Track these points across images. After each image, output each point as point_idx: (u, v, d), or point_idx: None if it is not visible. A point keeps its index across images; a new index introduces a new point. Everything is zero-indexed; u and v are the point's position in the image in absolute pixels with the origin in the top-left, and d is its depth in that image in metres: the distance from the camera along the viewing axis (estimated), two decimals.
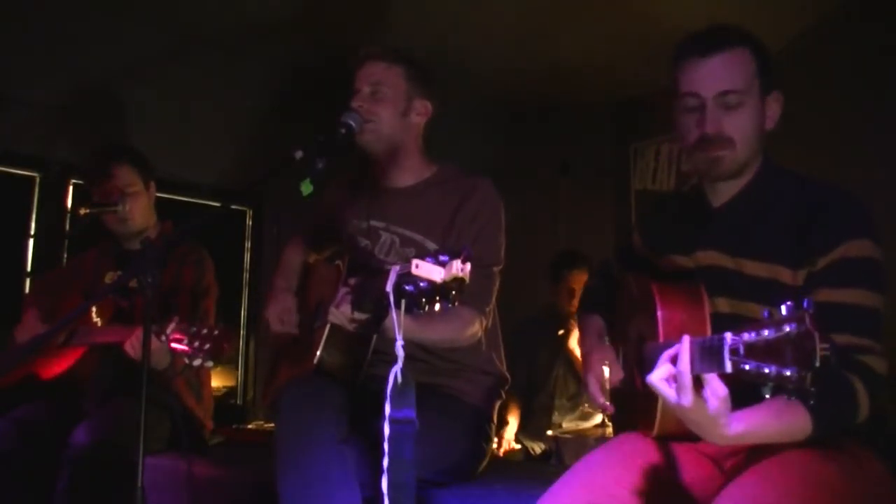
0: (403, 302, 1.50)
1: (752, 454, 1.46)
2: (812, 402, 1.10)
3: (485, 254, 2.10)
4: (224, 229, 4.30)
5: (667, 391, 1.32)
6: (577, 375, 3.94)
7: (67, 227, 3.60)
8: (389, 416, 1.53)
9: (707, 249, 1.64)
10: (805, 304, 1.09)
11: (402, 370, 1.53)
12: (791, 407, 1.26)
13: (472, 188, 2.16)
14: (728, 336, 1.16)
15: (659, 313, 1.51)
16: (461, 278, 1.43)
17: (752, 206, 1.61)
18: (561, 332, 3.92)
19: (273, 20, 3.61)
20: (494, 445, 2.72)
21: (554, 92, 4.39)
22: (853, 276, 1.45)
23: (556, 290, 4.01)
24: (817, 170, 1.66)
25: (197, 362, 2.02)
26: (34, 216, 3.57)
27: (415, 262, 1.43)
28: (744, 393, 1.26)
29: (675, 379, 1.30)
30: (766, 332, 1.10)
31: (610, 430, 3.32)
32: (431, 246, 2.14)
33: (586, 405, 3.86)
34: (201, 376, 2.82)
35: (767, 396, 1.10)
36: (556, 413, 3.95)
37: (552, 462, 3.68)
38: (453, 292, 1.45)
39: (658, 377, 1.33)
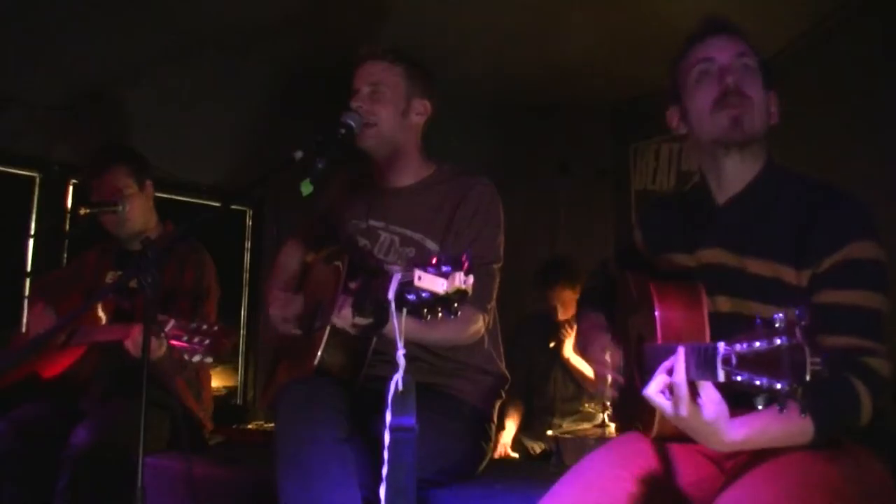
0: (405, 309, 1.49)
1: (753, 455, 1.46)
2: (812, 406, 1.10)
3: (485, 252, 2.10)
4: (224, 229, 4.30)
5: (664, 404, 1.32)
6: (574, 379, 3.94)
7: (67, 227, 3.60)
8: (390, 424, 1.53)
9: (710, 247, 1.64)
10: (798, 314, 1.08)
11: (403, 378, 1.53)
12: (791, 412, 1.26)
13: (470, 187, 2.16)
14: (721, 346, 1.16)
15: (657, 313, 1.51)
16: (464, 290, 1.43)
17: (756, 203, 1.61)
18: (553, 343, 3.91)
19: (273, 20, 3.61)
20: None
21: (553, 92, 4.39)
22: (857, 278, 1.46)
23: (544, 300, 4.00)
24: (816, 169, 1.66)
25: (196, 359, 2.02)
26: (34, 216, 3.57)
27: (417, 273, 1.42)
28: (739, 401, 1.26)
29: (671, 389, 1.30)
30: (757, 344, 1.10)
31: (610, 429, 3.31)
32: (431, 245, 2.14)
33: (586, 406, 3.86)
34: (201, 377, 2.83)
35: (760, 407, 1.10)
36: (557, 415, 3.94)
37: (552, 462, 3.67)
38: (455, 304, 1.45)
39: (654, 390, 1.33)
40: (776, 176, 1.63)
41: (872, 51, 3.32)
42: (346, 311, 1.83)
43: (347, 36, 3.01)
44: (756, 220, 1.60)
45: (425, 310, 1.45)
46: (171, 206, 3.79)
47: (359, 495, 1.81)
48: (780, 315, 1.09)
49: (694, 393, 1.28)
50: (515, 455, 3.92)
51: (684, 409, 1.29)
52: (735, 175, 1.63)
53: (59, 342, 2.54)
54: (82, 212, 2.73)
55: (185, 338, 2.03)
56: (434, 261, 1.45)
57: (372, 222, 2.24)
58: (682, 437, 1.44)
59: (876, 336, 1.44)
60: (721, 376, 1.15)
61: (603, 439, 3.12)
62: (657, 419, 1.48)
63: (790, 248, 1.52)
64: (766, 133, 1.63)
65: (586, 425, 3.80)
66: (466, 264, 1.43)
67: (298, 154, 1.85)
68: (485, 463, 2.20)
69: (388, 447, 1.52)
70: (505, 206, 2.19)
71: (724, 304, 1.60)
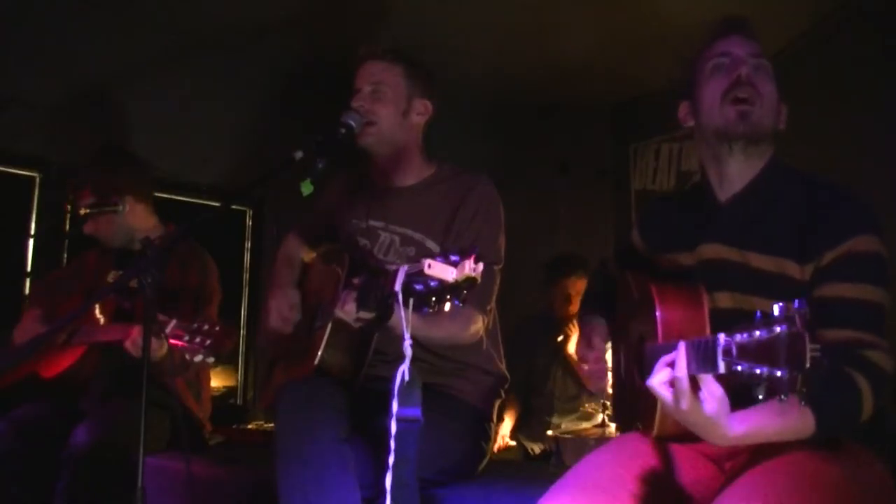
0: (411, 301, 1.49)
1: (753, 455, 1.46)
2: (813, 399, 1.10)
3: (485, 252, 2.09)
4: (224, 229, 4.31)
5: (666, 395, 1.32)
6: (576, 377, 3.94)
7: (67, 227, 3.60)
8: (396, 413, 1.53)
9: (712, 243, 1.64)
10: (797, 305, 1.09)
11: (409, 368, 1.53)
12: (792, 405, 1.26)
13: (471, 187, 2.16)
14: (721, 337, 1.17)
15: (658, 314, 1.51)
16: (473, 278, 1.44)
17: (759, 199, 1.61)
18: (560, 338, 3.92)
19: (273, 20, 3.61)
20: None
21: (553, 92, 4.39)
22: (859, 272, 1.46)
23: (552, 294, 4.00)
24: (816, 169, 1.66)
25: (198, 358, 2.02)
26: (34, 216, 3.57)
27: (427, 261, 1.43)
28: (741, 394, 1.26)
29: (672, 384, 1.31)
30: (757, 333, 1.11)
31: (610, 429, 3.31)
32: (431, 245, 2.14)
33: (586, 405, 3.86)
34: (201, 377, 2.83)
35: (760, 398, 1.11)
36: (556, 414, 3.94)
37: (552, 462, 3.67)
38: (465, 291, 1.45)
39: (658, 381, 1.33)
40: (780, 172, 1.63)
41: (872, 51, 3.32)
42: (350, 306, 1.82)
43: (347, 36, 3.01)
44: (758, 217, 1.60)
45: (433, 298, 1.45)
46: (171, 206, 3.79)
47: (358, 495, 1.81)
48: (781, 305, 1.09)
49: (695, 387, 1.28)
50: (513, 443, 3.92)
51: (685, 404, 1.29)
52: (737, 173, 1.63)
53: (60, 342, 2.54)
54: (82, 212, 2.73)
55: (185, 338, 2.03)
56: (441, 252, 1.46)
57: (372, 222, 2.24)
58: (683, 437, 1.44)
59: (877, 330, 1.44)
60: (722, 367, 1.16)
61: (603, 439, 3.12)
62: (658, 418, 1.48)
63: (793, 244, 1.52)
64: (773, 134, 1.63)
65: (586, 425, 3.80)
66: (475, 252, 1.44)
67: (298, 154, 1.85)
68: (485, 463, 2.20)
69: (395, 437, 1.52)
70: (505, 206, 2.19)
71: (726, 300, 1.59)
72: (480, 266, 1.44)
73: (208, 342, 2.01)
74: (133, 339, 2.27)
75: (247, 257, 4.35)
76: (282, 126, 3.96)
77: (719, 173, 1.66)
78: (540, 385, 4.00)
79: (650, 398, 1.43)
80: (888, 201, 2.60)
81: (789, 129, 1.67)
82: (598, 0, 3.46)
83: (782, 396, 1.09)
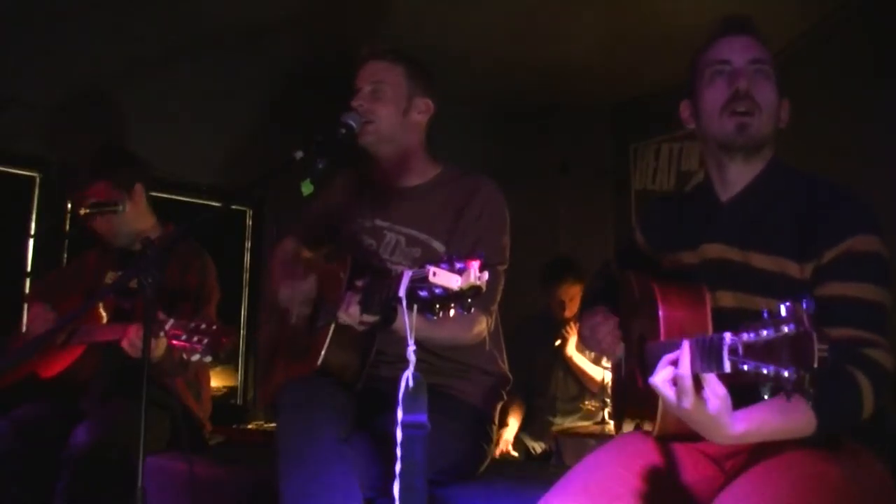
0: (415, 306, 1.49)
1: (753, 455, 1.46)
2: (814, 397, 1.10)
3: (490, 253, 2.09)
4: (224, 229, 4.31)
5: (668, 393, 1.32)
6: (576, 378, 3.94)
7: (67, 227, 3.60)
8: (402, 420, 1.52)
9: (713, 242, 1.64)
10: (804, 304, 1.09)
11: (414, 374, 1.52)
12: (794, 403, 1.26)
13: (476, 188, 2.16)
14: (727, 336, 1.17)
15: (660, 313, 1.51)
16: (479, 286, 1.42)
17: (760, 199, 1.61)
18: (558, 342, 3.92)
19: (272, 20, 3.61)
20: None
21: (554, 92, 4.39)
22: (859, 271, 1.46)
23: (548, 297, 4.00)
24: (816, 169, 1.67)
25: (196, 357, 2.02)
26: (34, 216, 3.57)
27: (431, 269, 1.42)
28: (743, 393, 1.26)
29: (675, 382, 1.30)
30: (764, 332, 1.10)
31: (610, 428, 3.31)
32: (437, 245, 2.14)
33: (587, 405, 3.86)
34: (200, 377, 2.82)
35: (766, 397, 1.11)
36: (557, 414, 3.95)
37: (552, 462, 3.68)
38: (469, 300, 1.44)
39: (660, 379, 1.33)
40: (780, 172, 1.63)
41: (872, 51, 3.32)
42: (354, 309, 1.82)
43: (347, 36, 3.01)
44: (759, 216, 1.60)
45: (437, 306, 1.44)
46: (171, 206, 3.79)
47: (359, 496, 1.81)
48: (788, 304, 1.09)
49: (697, 386, 1.28)
50: (516, 454, 3.92)
51: (688, 402, 1.29)
52: (738, 174, 1.64)
53: (59, 342, 2.54)
54: (82, 212, 2.73)
55: (184, 337, 2.03)
56: (446, 258, 1.45)
57: (377, 222, 2.24)
58: (685, 436, 1.44)
59: (878, 328, 1.44)
60: (727, 366, 1.16)
61: (603, 439, 3.12)
62: (659, 416, 1.48)
63: (794, 243, 1.52)
64: (774, 137, 1.63)
65: (587, 424, 3.81)
66: (481, 260, 1.43)
67: (298, 154, 1.85)
68: (486, 464, 2.20)
69: (401, 444, 1.51)
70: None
71: (728, 299, 1.60)
72: (486, 275, 1.43)
73: (206, 341, 2.01)
74: (130, 338, 2.27)
75: (247, 257, 4.35)
76: (282, 126, 3.95)
77: (720, 175, 1.67)
78: (541, 386, 4.01)
79: (651, 397, 1.43)
80: (888, 201, 2.60)
81: (789, 130, 1.67)
82: (598, 0, 3.46)
83: (788, 396, 1.08)
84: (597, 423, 3.70)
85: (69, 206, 3.59)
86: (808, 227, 1.52)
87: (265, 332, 2.34)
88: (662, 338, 1.49)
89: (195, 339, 2.01)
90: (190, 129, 3.84)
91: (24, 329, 2.66)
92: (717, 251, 1.63)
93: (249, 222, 4.36)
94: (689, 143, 4.21)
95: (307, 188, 1.84)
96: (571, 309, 3.91)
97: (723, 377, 1.25)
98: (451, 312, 1.45)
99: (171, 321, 2.07)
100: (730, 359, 1.15)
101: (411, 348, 1.51)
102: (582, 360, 3.89)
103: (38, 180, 3.58)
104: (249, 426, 3.64)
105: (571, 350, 3.89)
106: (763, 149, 1.62)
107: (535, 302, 4.13)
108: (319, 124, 2.04)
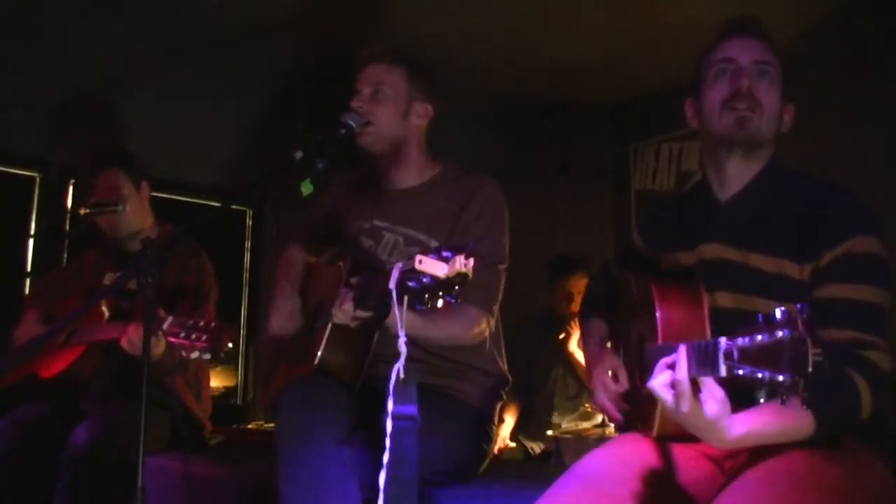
0: (406, 298, 1.49)
1: (753, 455, 1.46)
2: (812, 400, 1.10)
3: (490, 252, 2.09)
4: (224, 229, 4.31)
5: (666, 397, 1.32)
6: (577, 376, 3.94)
7: (67, 227, 3.60)
8: (392, 412, 1.53)
9: (712, 242, 1.64)
10: (799, 309, 1.08)
11: (405, 366, 1.53)
12: (791, 407, 1.27)
13: (476, 187, 2.16)
14: (723, 341, 1.17)
15: (658, 314, 1.51)
16: (465, 273, 1.43)
17: (759, 199, 1.61)
18: (562, 335, 3.92)
19: (273, 20, 3.61)
20: None
21: (554, 92, 4.39)
22: (858, 272, 1.46)
23: (553, 293, 4.00)
24: (816, 169, 1.67)
25: (195, 355, 2.01)
26: (34, 216, 3.57)
27: (418, 257, 1.43)
28: (741, 396, 1.26)
29: (673, 386, 1.30)
30: (759, 337, 1.10)
31: (610, 429, 3.31)
32: (435, 245, 2.13)
33: (587, 405, 3.86)
34: (200, 377, 2.82)
35: (762, 401, 1.11)
36: (556, 413, 3.95)
37: (552, 462, 3.67)
38: (456, 287, 1.44)
39: (658, 383, 1.33)
40: (780, 173, 1.63)
41: (873, 50, 3.32)
42: (348, 305, 1.83)
43: (347, 36, 3.02)
44: (758, 217, 1.60)
45: (426, 296, 1.45)
46: (171, 206, 3.80)
47: (358, 496, 1.81)
48: (783, 309, 1.09)
49: (696, 389, 1.28)
50: (513, 444, 3.92)
51: (685, 406, 1.29)
52: (737, 174, 1.64)
53: (59, 342, 2.54)
54: (82, 212, 2.74)
55: (182, 334, 2.03)
56: (435, 248, 1.46)
57: (376, 222, 2.24)
58: (683, 437, 1.44)
59: (876, 330, 1.44)
60: (723, 371, 1.16)
61: (603, 439, 3.12)
62: (658, 418, 1.48)
63: (793, 243, 1.52)
64: (775, 139, 1.63)
65: (586, 424, 3.81)
66: (468, 248, 1.44)
67: (298, 154, 1.85)
68: (485, 464, 2.19)
69: (390, 435, 1.51)
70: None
71: (726, 299, 1.59)
72: (471, 262, 1.43)
73: (204, 338, 2.01)
74: (129, 337, 2.27)
75: (247, 257, 4.36)
76: (282, 126, 3.96)
77: (719, 174, 1.66)
78: (540, 385, 4.01)
79: (650, 398, 1.43)
80: (888, 201, 2.60)
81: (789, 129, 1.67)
82: (598, 1, 3.46)
83: (783, 400, 1.08)
84: (596, 426, 3.70)
85: (69, 205, 3.60)
86: (807, 227, 1.51)
87: (267, 335, 2.34)
88: (660, 338, 1.49)
89: (194, 336, 2.01)
90: (190, 129, 3.84)
91: (14, 336, 2.65)
92: (716, 251, 1.63)
93: (249, 222, 4.36)
94: (689, 143, 4.21)
95: (307, 188, 1.84)
96: (579, 302, 3.91)
97: (720, 380, 1.25)
98: (440, 302, 1.45)
99: (170, 319, 2.07)
100: (725, 363, 1.15)
101: (402, 340, 1.51)
102: (583, 357, 3.89)
103: (38, 180, 3.58)
104: (249, 426, 3.64)
105: (574, 346, 3.89)
106: (762, 148, 1.62)
107: (534, 301, 4.12)
108: (319, 124, 2.04)
